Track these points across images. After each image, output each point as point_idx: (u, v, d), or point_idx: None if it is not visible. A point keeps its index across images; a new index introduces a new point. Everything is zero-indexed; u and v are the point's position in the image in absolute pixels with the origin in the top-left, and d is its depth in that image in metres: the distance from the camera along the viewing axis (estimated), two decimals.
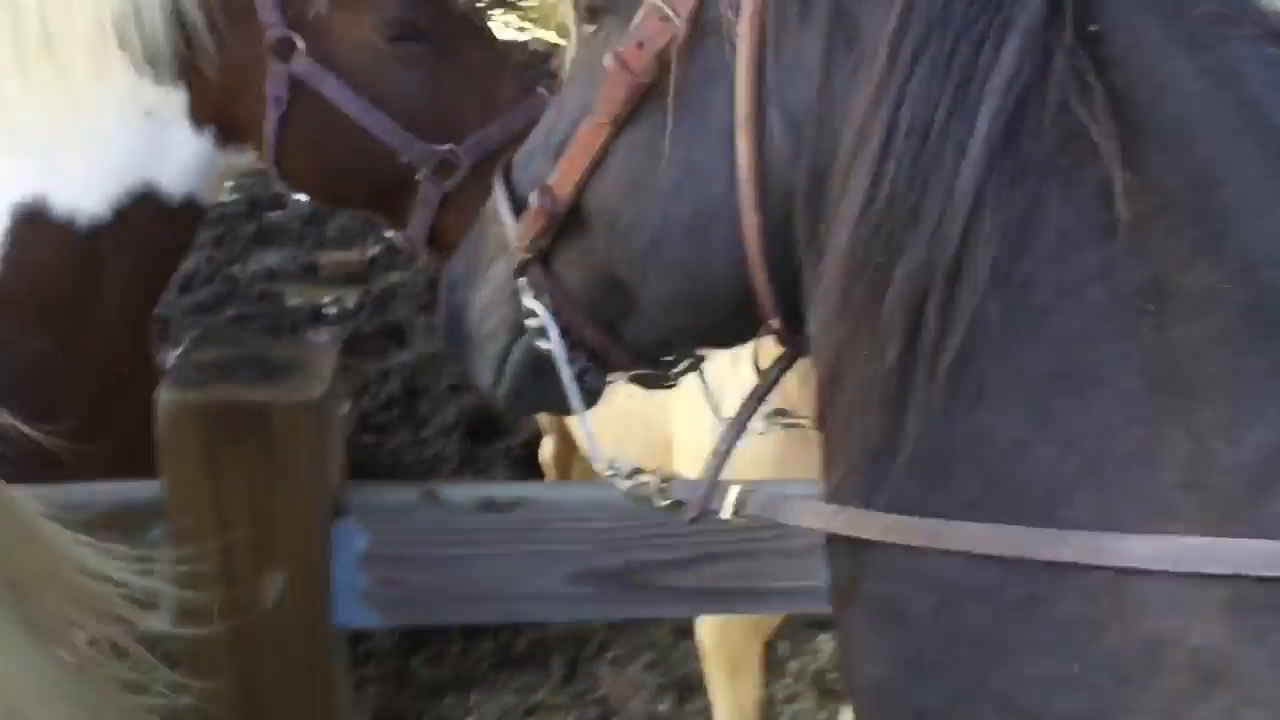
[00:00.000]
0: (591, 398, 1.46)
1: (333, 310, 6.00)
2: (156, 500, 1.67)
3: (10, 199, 2.18)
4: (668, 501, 1.39)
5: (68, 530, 1.18)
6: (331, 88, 2.21)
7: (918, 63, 1.09)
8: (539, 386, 1.47)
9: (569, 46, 1.49)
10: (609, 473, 1.46)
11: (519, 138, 1.61)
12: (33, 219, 2.17)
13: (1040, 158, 1.08)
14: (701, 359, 1.51)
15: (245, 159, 2.33)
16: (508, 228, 1.42)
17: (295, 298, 6.12)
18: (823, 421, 1.21)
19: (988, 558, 1.06)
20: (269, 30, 2.21)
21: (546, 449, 4.14)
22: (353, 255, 6.46)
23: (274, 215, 6.83)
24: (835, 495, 1.21)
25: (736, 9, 1.20)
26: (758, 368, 1.45)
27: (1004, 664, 1.07)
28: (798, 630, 3.89)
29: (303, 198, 2.59)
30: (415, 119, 2.25)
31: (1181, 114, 1.07)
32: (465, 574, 1.76)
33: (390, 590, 1.75)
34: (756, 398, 1.43)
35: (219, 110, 2.25)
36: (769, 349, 1.41)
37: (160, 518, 1.67)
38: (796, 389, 1.37)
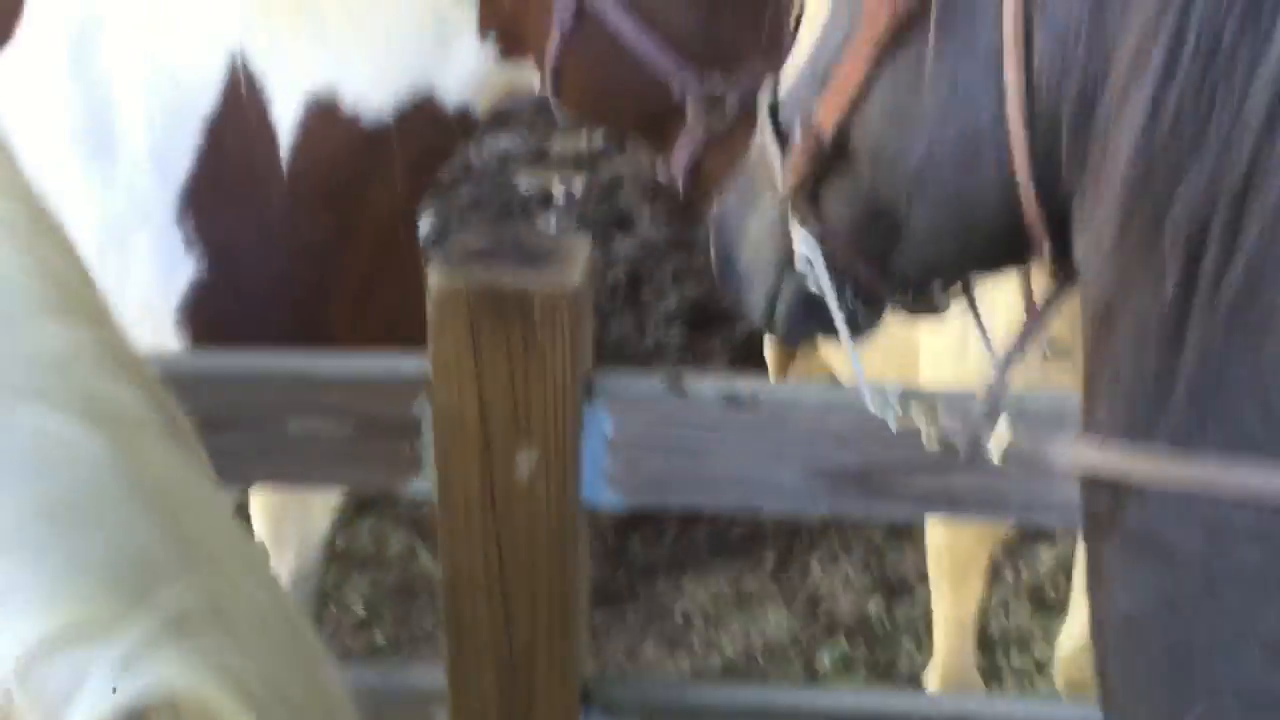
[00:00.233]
0: (862, 329, 1.46)
1: (561, 195, 6.10)
2: (422, 374, 1.78)
3: (303, 88, 2.26)
4: (937, 445, 1.39)
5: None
6: (613, 12, 2.19)
7: None
8: (810, 321, 1.48)
9: None
10: (878, 408, 1.47)
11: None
12: (322, 110, 2.26)
13: None
14: (971, 287, 1.50)
15: (522, 78, 2.33)
16: (774, 164, 1.42)
17: (525, 181, 6.25)
18: (1092, 352, 1.19)
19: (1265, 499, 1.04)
20: None
21: (770, 346, 4.16)
22: (582, 142, 6.54)
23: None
24: (1104, 430, 1.18)
25: None
26: (1028, 297, 1.42)
27: (1276, 605, 1.06)
28: (1017, 540, 3.86)
29: None
30: (693, 53, 2.21)
31: None
32: (707, 462, 1.82)
33: (634, 473, 1.82)
34: (1032, 327, 1.40)
35: (508, 24, 2.26)
36: (1034, 278, 1.39)
37: (424, 390, 1.78)
38: (1061, 318, 1.35)
